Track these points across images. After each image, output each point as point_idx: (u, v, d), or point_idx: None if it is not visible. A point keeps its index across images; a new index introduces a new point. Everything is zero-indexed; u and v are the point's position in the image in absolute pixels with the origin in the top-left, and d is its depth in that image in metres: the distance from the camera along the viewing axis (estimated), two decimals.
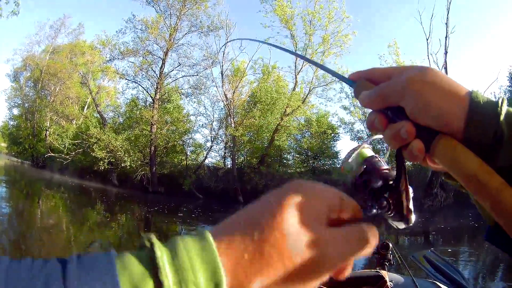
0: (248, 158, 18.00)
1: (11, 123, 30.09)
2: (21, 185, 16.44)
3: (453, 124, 0.32)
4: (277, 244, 0.25)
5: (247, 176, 16.33)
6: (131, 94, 19.28)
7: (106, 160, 17.60)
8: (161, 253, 0.23)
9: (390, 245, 1.92)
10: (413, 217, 0.38)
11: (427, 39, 17.10)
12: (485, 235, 0.37)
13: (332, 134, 18.50)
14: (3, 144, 35.83)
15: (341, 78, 0.45)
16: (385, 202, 0.39)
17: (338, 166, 18.67)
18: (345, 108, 18.23)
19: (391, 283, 1.65)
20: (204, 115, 19.31)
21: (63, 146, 20.56)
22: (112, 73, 19.36)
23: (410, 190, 0.39)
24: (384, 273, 1.73)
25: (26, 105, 27.49)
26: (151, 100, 18.16)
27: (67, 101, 23.42)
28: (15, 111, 29.32)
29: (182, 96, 18.93)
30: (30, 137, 26.45)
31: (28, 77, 27.66)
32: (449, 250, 7.20)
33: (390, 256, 1.93)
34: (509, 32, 35.70)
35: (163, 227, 9.73)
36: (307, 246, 0.26)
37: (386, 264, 1.90)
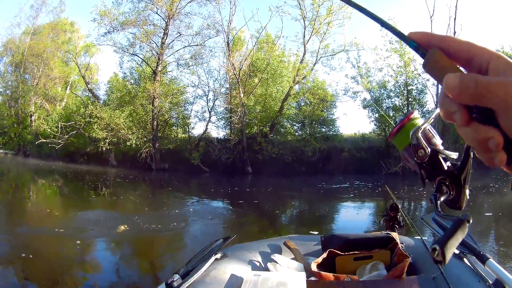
0: (260, 127, 17.42)
1: None
2: (9, 178, 14.07)
3: None
4: None
5: (256, 145, 15.83)
6: (129, 67, 18.24)
7: (107, 140, 16.63)
8: None
9: (399, 206, 2.07)
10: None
11: (430, 17, 17.10)
12: None
13: (329, 102, 18.37)
14: None
15: (400, 36, 0.34)
16: (445, 189, 0.41)
17: (336, 134, 18.63)
18: (352, 77, 18.14)
19: (402, 245, 1.67)
20: (200, 86, 18.82)
21: (50, 130, 19.21)
22: (97, 49, 18.20)
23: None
24: (394, 235, 1.76)
25: (8, 91, 25.72)
26: (150, 72, 17.20)
27: (50, 82, 22.00)
28: None
29: (181, 67, 18.10)
30: (15, 125, 24.82)
31: (9, 62, 25.84)
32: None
33: (400, 218, 2.07)
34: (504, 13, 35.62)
35: (172, 204, 9.00)
36: None
37: (396, 227, 2.04)
